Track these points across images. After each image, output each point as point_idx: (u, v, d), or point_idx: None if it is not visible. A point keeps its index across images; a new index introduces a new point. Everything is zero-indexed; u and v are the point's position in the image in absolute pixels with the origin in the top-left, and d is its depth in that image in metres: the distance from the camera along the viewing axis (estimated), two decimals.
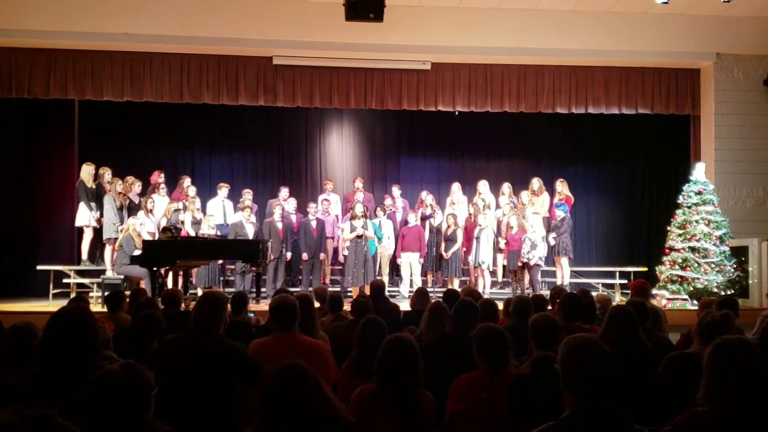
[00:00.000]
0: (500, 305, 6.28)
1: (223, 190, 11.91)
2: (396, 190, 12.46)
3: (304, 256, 11.30)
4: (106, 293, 8.76)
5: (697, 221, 10.85)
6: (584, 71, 12.26)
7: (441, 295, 7.33)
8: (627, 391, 3.24)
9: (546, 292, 9.23)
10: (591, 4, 11.23)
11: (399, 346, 3.34)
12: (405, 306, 7.72)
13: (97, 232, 11.19)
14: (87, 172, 11.17)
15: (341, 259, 11.70)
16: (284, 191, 12.10)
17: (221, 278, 11.55)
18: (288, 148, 14.24)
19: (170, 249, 9.58)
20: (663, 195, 13.32)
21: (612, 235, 14.38)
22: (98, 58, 11.38)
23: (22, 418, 1.90)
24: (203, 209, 11.43)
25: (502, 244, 11.48)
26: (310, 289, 10.28)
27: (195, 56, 11.61)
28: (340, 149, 14.38)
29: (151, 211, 10.99)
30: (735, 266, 10.85)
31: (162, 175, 11.95)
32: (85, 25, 10.97)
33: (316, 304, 6.64)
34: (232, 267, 11.55)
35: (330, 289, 8.87)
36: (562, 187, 11.82)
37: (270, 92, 11.80)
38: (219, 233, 11.02)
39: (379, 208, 11.83)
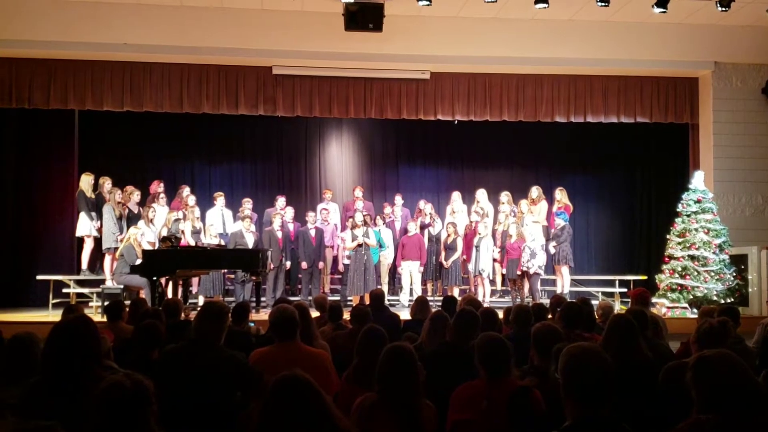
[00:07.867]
0: (500, 314, 6.28)
1: (220, 200, 11.91)
2: (399, 199, 12.45)
3: (303, 265, 11.31)
4: (105, 303, 8.76)
5: (696, 230, 10.84)
6: (583, 80, 12.28)
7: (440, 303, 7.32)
8: (627, 400, 3.25)
9: (545, 301, 9.22)
10: (589, 13, 11.25)
11: (398, 355, 3.33)
12: (405, 315, 7.71)
13: (98, 241, 11.18)
14: (86, 182, 11.18)
15: (341, 268, 11.71)
16: (281, 200, 12.10)
17: (225, 288, 11.52)
18: (287, 157, 14.24)
19: (170, 258, 9.58)
20: (662, 203, 13.32)
21: (611, 244, 14.37)
22: (98, 68, 11.39)
23: (23, 430, 1.90)
24: (202, 219, 11.43)
25: (495, 253, 11.46)
26: (310, 298, 10.29)
27: (195, 66, 11.62)
28: (339, 158, 14.39)
29: (151, 220, 10.99)
30: (734, 274, 10.84)
31: (161, 184, 11.94)
32: (85, 35, 10.99)
33: (316, 314, 6.66)
34: (232, 276, 11.54)
35: (330, 298, 8.86)
36: (561, 195, 11.81)
37: (269, 102, 11.80)
38: (223, 242, 11.03)
39: (378, 217, 11.85)
